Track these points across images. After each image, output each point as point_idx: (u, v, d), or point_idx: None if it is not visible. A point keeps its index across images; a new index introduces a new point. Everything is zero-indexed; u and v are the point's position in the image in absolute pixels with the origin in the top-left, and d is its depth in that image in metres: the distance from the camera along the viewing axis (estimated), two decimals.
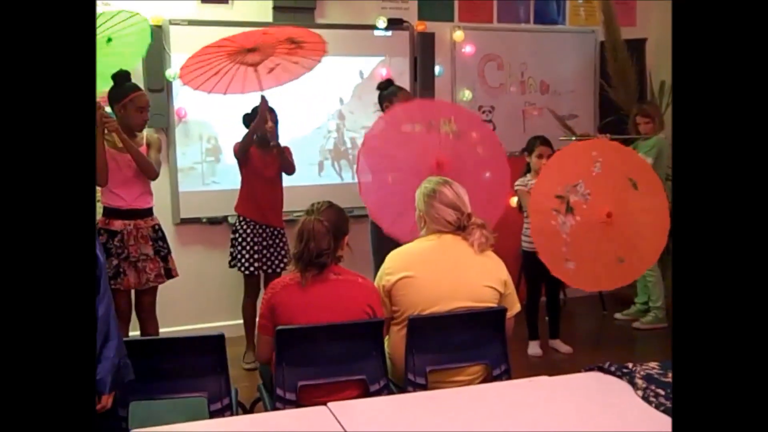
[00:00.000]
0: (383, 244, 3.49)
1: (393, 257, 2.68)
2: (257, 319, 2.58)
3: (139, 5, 4.28)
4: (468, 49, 5.18)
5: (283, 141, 4.07)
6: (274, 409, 2.38)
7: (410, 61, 5.00)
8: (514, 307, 2.71)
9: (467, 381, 2.56)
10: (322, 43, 3.81)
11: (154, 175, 3.62)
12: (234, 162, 4.17)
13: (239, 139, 4.09)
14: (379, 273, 2.70)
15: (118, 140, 3.46)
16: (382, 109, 4.22)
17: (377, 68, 4.90)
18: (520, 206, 4.37)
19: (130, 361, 2.11)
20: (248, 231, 4.09)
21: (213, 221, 4.61)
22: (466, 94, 5.18)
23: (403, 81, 4.78)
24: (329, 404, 2.05)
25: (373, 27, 4.85)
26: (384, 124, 3.85)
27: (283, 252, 4.15)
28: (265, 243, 4.11)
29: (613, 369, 2.23)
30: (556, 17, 5.49)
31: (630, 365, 2.24)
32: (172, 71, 4.35)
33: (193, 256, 4.54)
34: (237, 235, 4.13)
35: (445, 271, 2.60)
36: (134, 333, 3.75)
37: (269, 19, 4.61)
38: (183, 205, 4.53)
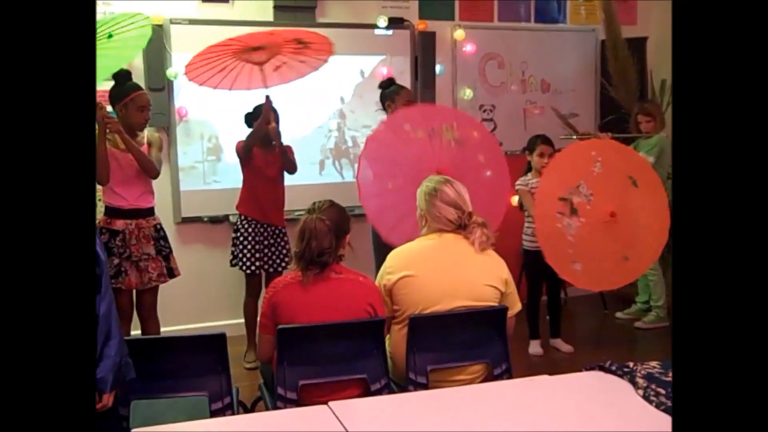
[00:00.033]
0: (384, 243, 3.49)
1: (394, 256, 2.68)
2: (258, 318, 2.58)
3: (139, 5, 4.29)
4: (469, 47, 5.18)
5: (284, 140, 4.07)
6: (275, 408, 2.38)
7: (411, 60, 5.00)
8: (515, 306, 2.71)
9: (468, 380, 2.56)
10: (329, 44, 3.82)
11: (155, 174, 3.62)
12: (235, 161, 4.17)
13: (240, 137, 4.09)
14: (380, 272, 2.70)
15: (120, 141, 3.47)
16: (384, 108, 4.22)
17: (378, 67, 4.89)
18: (521, 205, 4.36)
19: (132, 360, 2.11)
20: (249, 230, 4.09)
21: (214, 220, 4.61)
22: (467, 93, 5.18)
23: (404, 80, 4.78)
24: (330, 403, 2.05)
25: (374, 26, 4.85)
26: (386, 129, 3.86)
27: (284, 251, 4.15)
28: (266, 242, 4.11)
29: (613, 368, 2.23)
30: (557, 16, 5.48)
31: (631, 364, 2.24)
32: (172, 70, 4.35)
33: (194, 255, 4.54)
34: (238, 234, 4.13)
35: (446, 270, 2.60)
36: (135, 332, 3.75)
37: (270, 18, 4.61)
38: (184, 204, 4.53)
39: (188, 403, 2.31)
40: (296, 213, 3.86)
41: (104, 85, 3.68)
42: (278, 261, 4.13)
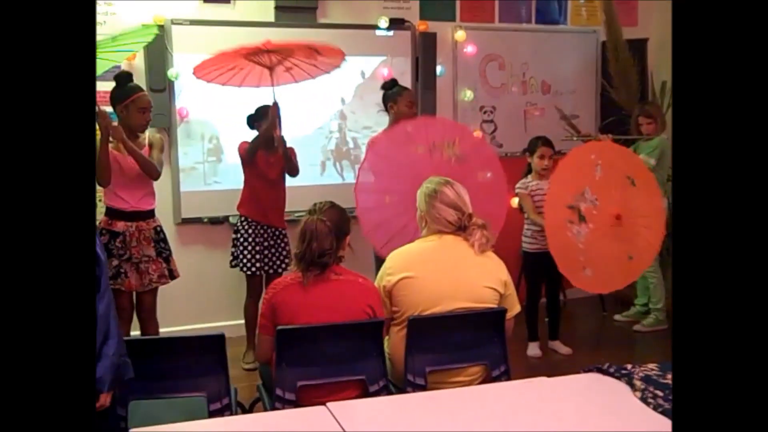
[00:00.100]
0: None
1: (394, 257, 2.68)
2: (258, 319, 2.59)
3: (140, 5, 4.30)
4: (469, 49, 5.18)
5: (286, 141, 4.06)
6: (274, 409, 2.38)
7: (412, 61, 5.00)
8: (514, 308, 2.71)
9: (467, 382, 2.56)
10: (341, 54, 3.86)
11: (157, 176, 3.62)
12: (236, 162, 4.17)
13: (242, 139, 4.09)
14: (379, 273, 2.70)
15: (123, 148, 3.47)
16: (386, 109, 4.23)
17: (379, 68, 4.89)
18: (520, 207, 4.37)
19: (130, 360, 2.11)
20: (250, 231, 4.09)
21: (214, 221, 4.61)
22: (468, 94, 5.18)
23: (405, 81, 4.78)
24: (328, 404, 2.05)
25: (375, 27, 4.85)
26: (386, 141, 3.86)
27: (284, 252, 4.14)
28: (266, 243, 4.11)
29: (611, 370, 2.23)
30: (558, 17, 5.48)
31: (629, 366, 2.25)
32: (174, 71, 4.35)
33: (194, 256, 4.54)
34: (239, 235, 4.13)
35: (446, 272, 2.60)
36: (134, 333, 3.75)
37: (271, 18, 4.61)
38: (184, 205, 4.53)
39: (187, 403, 2.31)
40: (296, 214, 3.86)
41: (105, 86, 3.68)
42: (278, 263, 4.13)
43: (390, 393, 2.50)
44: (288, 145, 4.09)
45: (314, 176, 4.76)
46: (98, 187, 3.52)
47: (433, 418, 1.99)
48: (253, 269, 4.09)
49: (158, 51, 4.28)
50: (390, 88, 4.24)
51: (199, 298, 4.57)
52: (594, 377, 2.25)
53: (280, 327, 2.36)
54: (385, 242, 3.42)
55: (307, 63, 3.88)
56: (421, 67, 5.00)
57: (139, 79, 3.98)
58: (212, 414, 2.30)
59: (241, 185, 4.17)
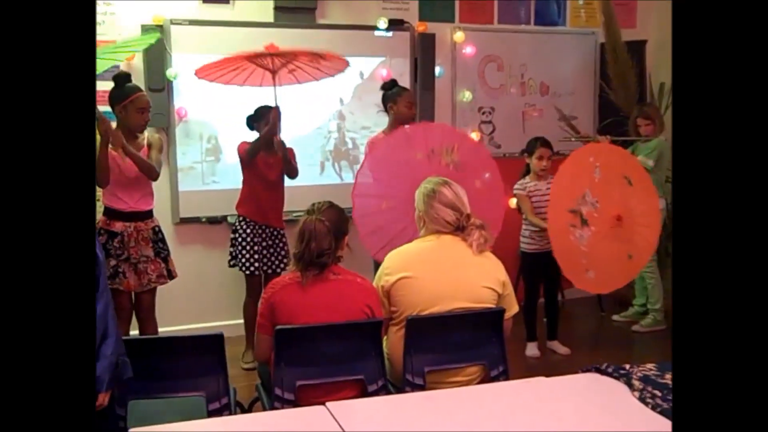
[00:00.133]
0: None
1: (392, 257, 2.68)
2: (257, 318, 2.59)
3: (140, 5, 4.30)
4: (468, 50, 5.18)
5: (285, 142, 4.06)
6: (272, 408, 2.38)
7: (411, 62, 5.00)
8: (513, 308, 2.71)
9: (465, 381, 2.56)
10: (344, 62, 3.89)
11: (155, 177, 3.61)
12: (234, 161, 4.17)
13: (240, 138, 4.09)
14: (378, 273, 2.70)
15: (122, 151, 3.46)
16: (386, 110, 4.23)
17: (378, 69, 4.90)
18: (519, 208, 4.37)
19: (129, 360, 2.11)
20: (248, 231, 4.09)
21: (212, 221, 4.61)
22: (467, 95, 5.19)
23: (404, 81, 4.78)
24: (327, 404, 2.05)
25: (374, 27, 4.85)
26: (385, 147, 3.86)
27: (283, 252, 4.15)
28: (265, 243, 4.11)
29: (610, 370, 2.24)
30: (557, 18, 5.49)
31: (627, 366, 2.25)
32: (172, 71, 4.36)
33: (193, 256, 4.54)
34: (237, 235, 4.13)
35: (444, 272, 2.60)
36: (133, 332, 3.75)
37: (270, 18, 4.61)
38: (183, 205, 4.53)
39: (185, 403, 2.31)
40: (295, 214, 3.86)
41: (104, 86, 3.68)
42: (277, 263, 4.13)
43: (389, 393, 2.50)
44: (288, 146, 4.10)
45: (313, 176, 4.76)
46: (97, 188, 3.52)
47: (431, 418, 1.99)
48: (252, 269, 4.09)
49: (157, 51, 4.28)
50: (390, 88, 4.24)
51: (197, 298, 4.57)
52: (592, 377, 2.25)
53: (278, 327, 2.36)
54: (381, 247, 3.42)
55: (310, 66, 3.89)
56: (420, 68, 5.00)
57: (138, 79, 3.98)
58: (211, 414, 2.30)
59: (239, 185, 4.17)
